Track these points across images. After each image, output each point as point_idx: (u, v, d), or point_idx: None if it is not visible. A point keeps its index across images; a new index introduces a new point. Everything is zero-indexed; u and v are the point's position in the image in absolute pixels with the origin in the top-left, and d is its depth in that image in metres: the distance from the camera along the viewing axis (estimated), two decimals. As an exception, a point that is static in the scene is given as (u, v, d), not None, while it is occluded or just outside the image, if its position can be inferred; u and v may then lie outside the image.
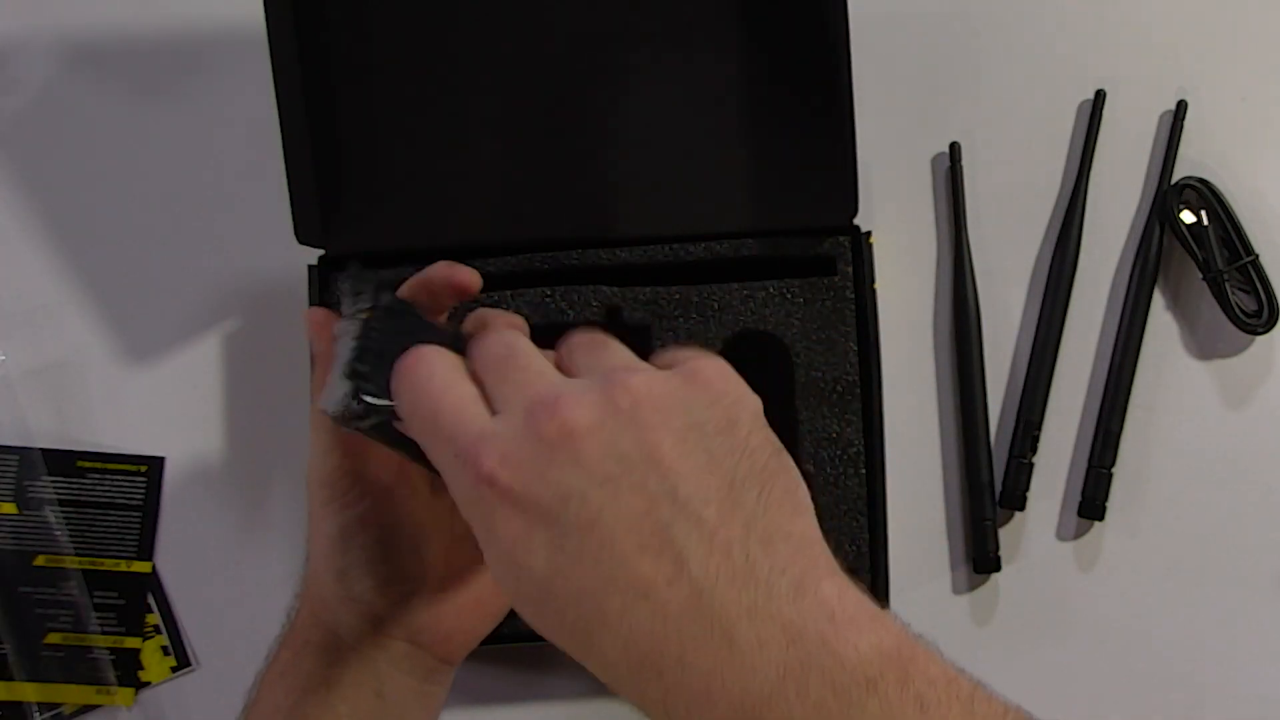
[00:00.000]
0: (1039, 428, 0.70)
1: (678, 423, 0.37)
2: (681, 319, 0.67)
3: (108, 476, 0.71)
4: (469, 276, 0.51)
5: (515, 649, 0.67)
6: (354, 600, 0.51)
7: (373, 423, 0.43)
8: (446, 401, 0.40)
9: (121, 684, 0.69)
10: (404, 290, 0.52)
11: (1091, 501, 0.69)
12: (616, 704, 0.70)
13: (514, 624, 0.64)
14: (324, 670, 0.51)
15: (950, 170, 0.72)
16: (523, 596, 0.38)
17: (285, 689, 0.51)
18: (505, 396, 0.39)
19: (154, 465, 0.71)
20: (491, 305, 0.66)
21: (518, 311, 0.64)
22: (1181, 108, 0.72)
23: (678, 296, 0.67)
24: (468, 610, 0.53)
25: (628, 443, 0.37)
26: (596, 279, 0.67)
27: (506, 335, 0.42)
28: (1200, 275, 0.70)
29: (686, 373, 0.39)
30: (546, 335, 0.45)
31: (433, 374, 0.40)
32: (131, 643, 0.69)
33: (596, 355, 0.42)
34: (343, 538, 0.51)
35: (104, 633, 0.69)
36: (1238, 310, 0.69)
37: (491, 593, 0.54)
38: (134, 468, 0.71)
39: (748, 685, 0.35)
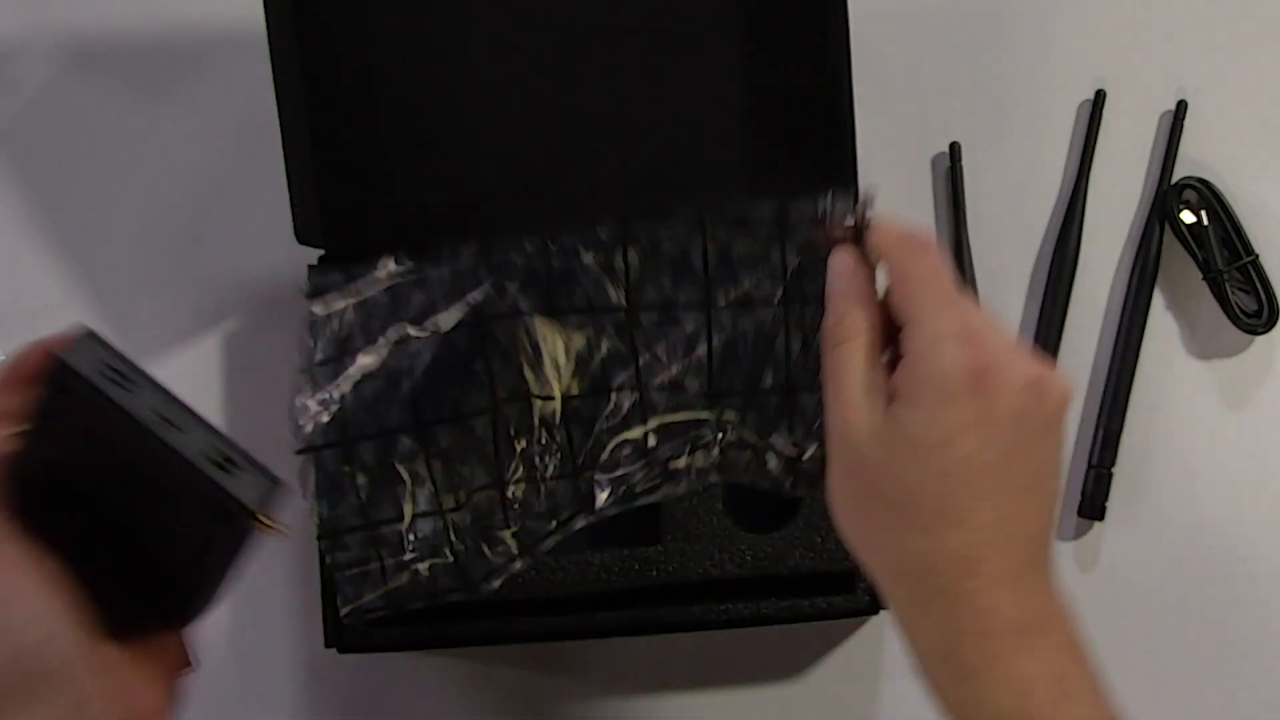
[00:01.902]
0: (1039, 428, 0.70)
1: None
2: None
3: (108, 476, 0.70)
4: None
5: (515, 649, 0.67)
6: (45, 678, 0.41)
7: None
8: None
9: (121, 684, 0.69)
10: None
11: (1091, 501, 0.69)
12: (616, 704, 0.71)
13: (512, 625, 0.64)
14: None
15: (950, 170, 0.72)
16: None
17: None
18: None
19: (154, 465, 0.71)
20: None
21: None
22: (1181, 108, 0.72)
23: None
24: None
25: None
26: (596, 279, 0.67)
27: None
28: (1200, 275, 0.70)
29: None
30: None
31: None
32: (131, 643, 0.69)
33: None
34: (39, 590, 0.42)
35: (104, 633, 0.69)
36: (1238, 310, 0.69)
37: None
38: (134, 468, 0.71)
39: None
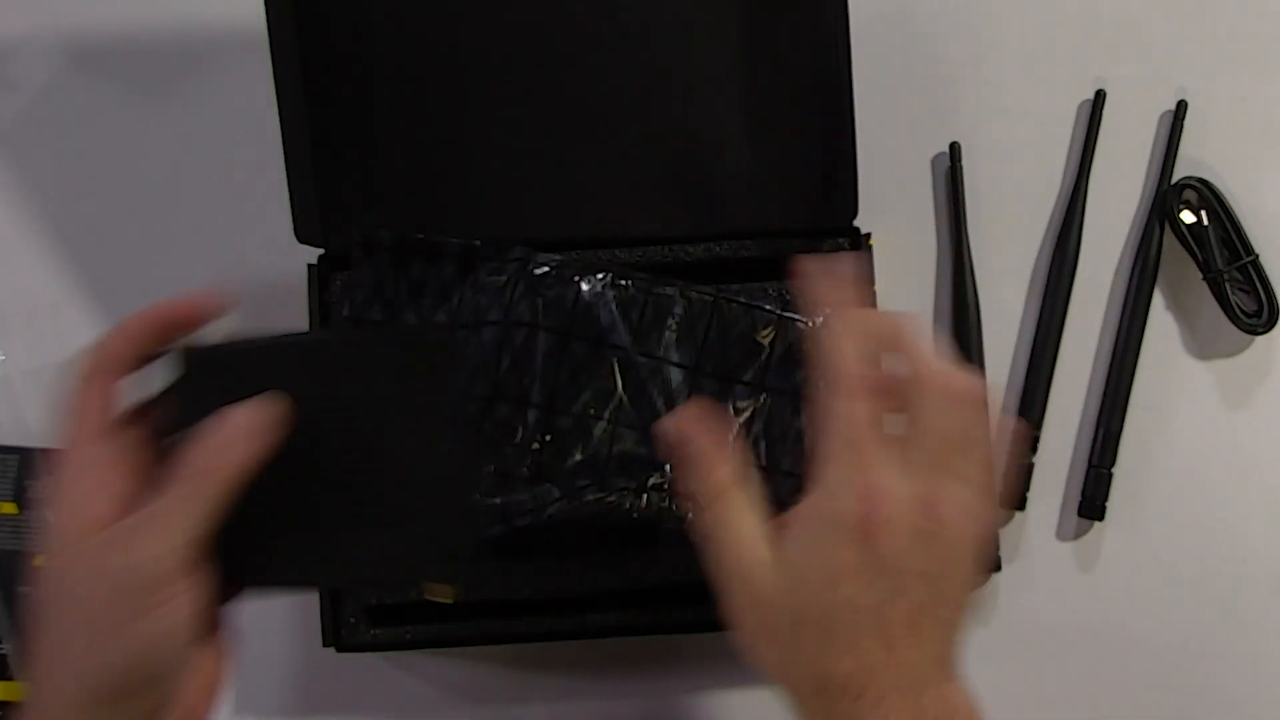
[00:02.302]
0: (1039, 428, 0.70)
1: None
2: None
3: (108, 476, 0.70)
4: (194, 308, 0.50)
5: (514, 649, 0.67)
6: (160, 682, 0.45)
7: None
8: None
9: (121, 684, 0.69)
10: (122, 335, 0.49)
11: (1091, 501, 0.69)
12: (616, 704, 0.71)
13: (512, 625, 0.64)
14: None
15: (950, 170, 0.72)
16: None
17: None
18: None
19: (154, 465, 0.71)
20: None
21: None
22: (1181, 108, 0.72)
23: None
24: (208, 690, 0.48)
25: None
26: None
27: None
28: (1200, 275, 0.70)
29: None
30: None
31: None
32: (131, 643, 0.69)
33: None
34: (155, 647, 0.44)
35: (104, 633, 0.69)
36: (1238, 310, 0.69)
37: (212, 670, 0.49)
38: (134, 468, 0.71)
39: None
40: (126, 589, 0.43)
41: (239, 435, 0.45)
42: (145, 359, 0.48)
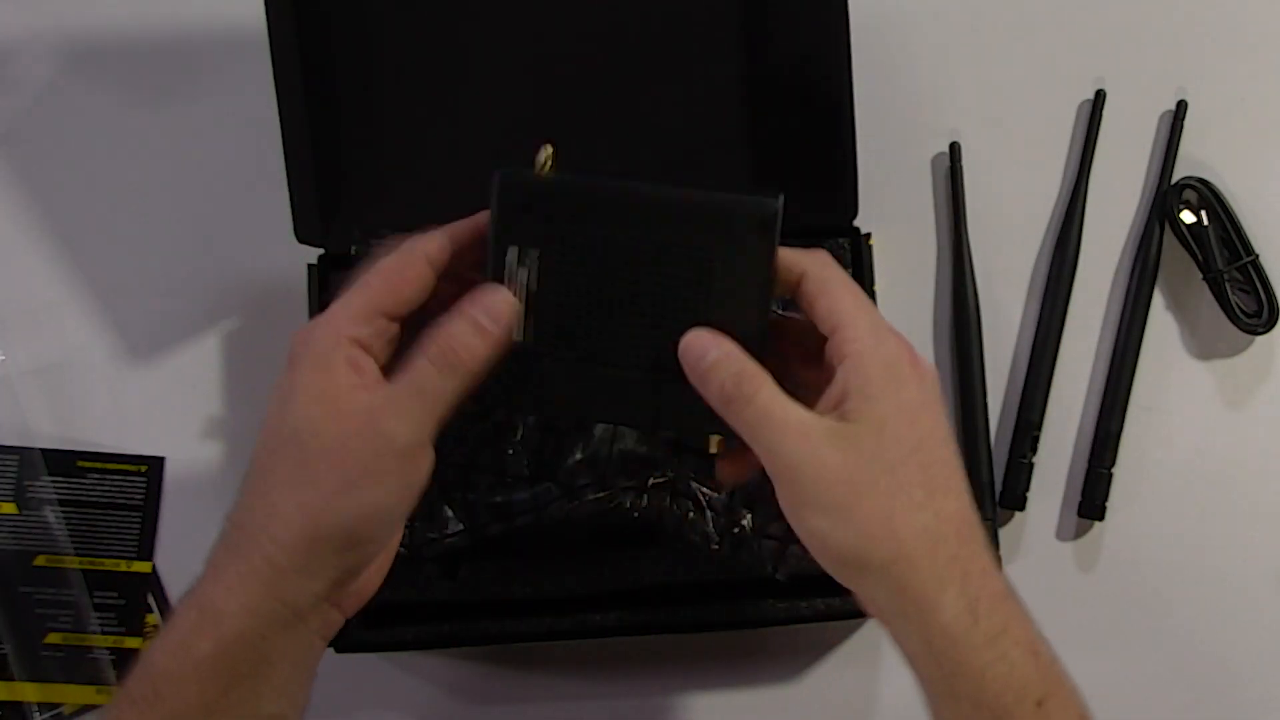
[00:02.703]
0: (1039, 428, 0.70)
1: None
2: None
3: (108, 476, 0.71)
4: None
5: (514, 649, 0.67)
6: (340, 573, 0.47)
7: None
8: None
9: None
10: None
11: (1091, 501, 0.69)
12: (616, 704, 0.71)
13: (512, 625, 0.64)
14: (257, 654, 0.46)
15: (950, 170, 0.72)
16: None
17: (205, 683, 0.46)
18: None
19: (154, 465, 0.71)
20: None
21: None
22: (1181, 108, 0.72)
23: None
24: (381, 570, 0.52)
25: None
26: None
27: None
28: (1200, 275, 0.70)
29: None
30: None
31: None
32: (132, 643, 0.69)
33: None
34: (386, 509, 0.46)
35: (104, 633, 0.69)
36: (1238, 310, 0.69)
37: (390, 552, 0.52)
38: (134, 468, 0.71)
39: None
40: (376, 452, 0.45)
41: (492, 320, 0.46)
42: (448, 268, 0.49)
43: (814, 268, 0.47)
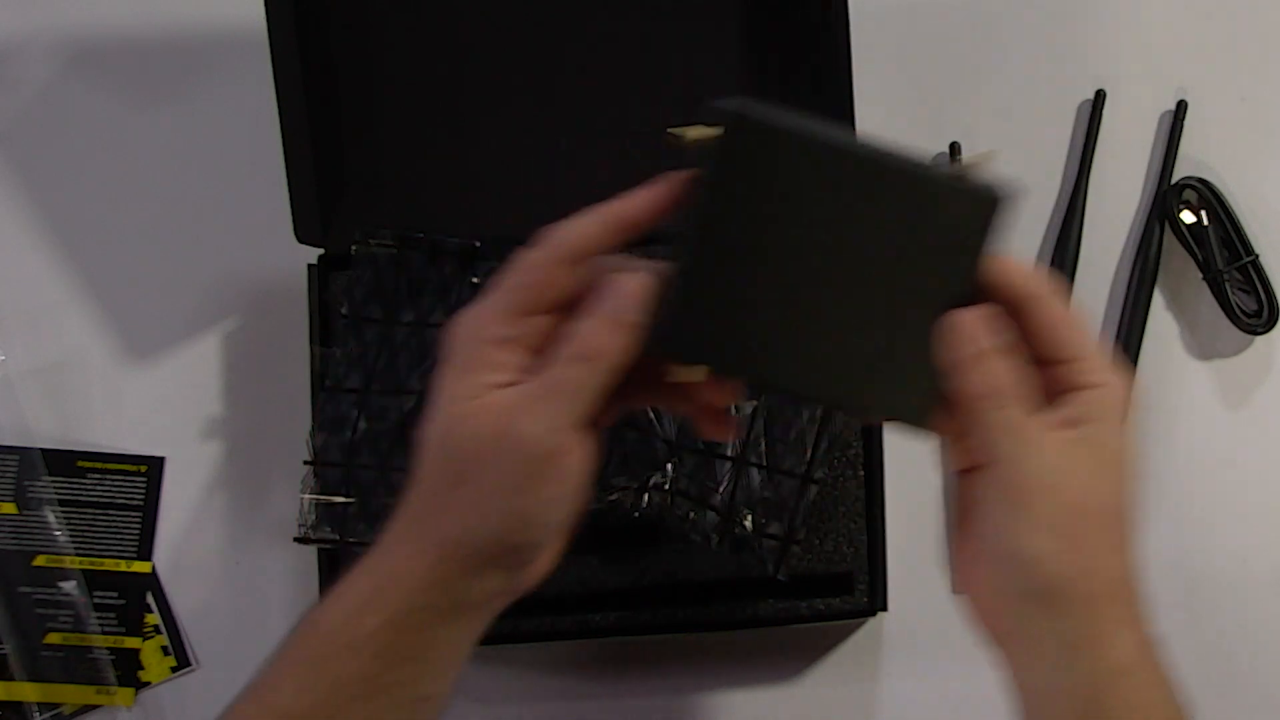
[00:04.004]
0: (1039, 428, 0.70)
1: None
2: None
3: (108, 476, 0.71)
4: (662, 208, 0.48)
5: (514, 649, 0.67)
6: (505, 573, 0.46)
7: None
8: None
9: (121, 684, 0.69)
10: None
11: (1091, 501, 0.69)
12: (616, 704, 0.71)
13: (512, 624, 0.64)
14: (423, 640, 0.46)
15: (950, 170, 0.72)
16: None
17: (369, 658, 0.45)
18: None
19: (154, 465, 0.71)
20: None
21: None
22: (1181, 108, 0.72)
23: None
24: (555, 555, 0.50)
25: None
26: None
27: None
28: (1200, 275, 0.70)
29: None
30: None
31: None
32: (131, 643, 0.69)
33: None
34: (533, 514, 0.45)
35: (104, 633, 0.69)
36: (1238, 310, 0.69)
37: (563, 539, 0.50)
38: (134, 468, 0.71)
39: None
40: (514, 457, 0.43)
41: (627, 312, 0.44)
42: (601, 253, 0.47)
43: (1046, 290, 0.45)
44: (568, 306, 0.45)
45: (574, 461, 0.44)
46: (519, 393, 0.44)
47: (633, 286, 0.44)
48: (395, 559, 0.45)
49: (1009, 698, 0.46)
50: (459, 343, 0.45)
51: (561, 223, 0.46)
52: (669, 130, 0.46)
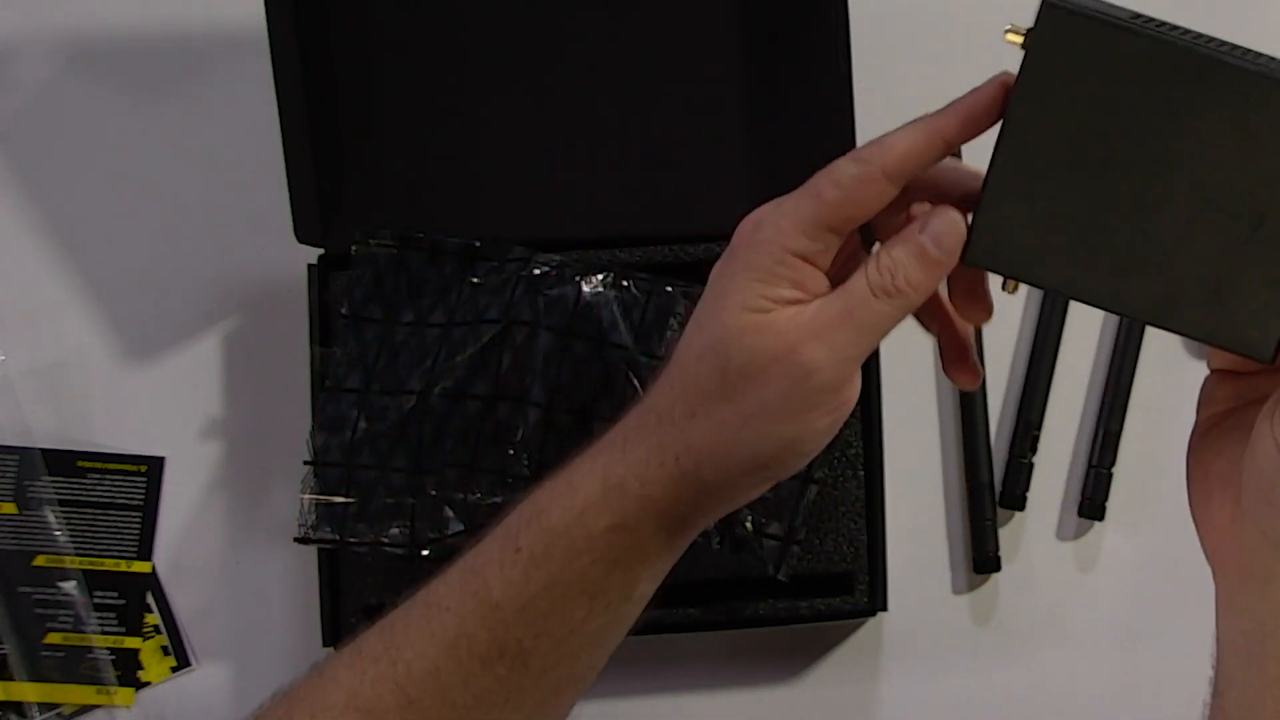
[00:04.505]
0: (1039, 428, 0.70)
1: None
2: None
3: (108, 476, 0.71)
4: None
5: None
6: (749, 489, 0.45)
7: None
8: None
9: (121, 684, 0.69)
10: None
11: (1091, 501, 0.69)
12: (616, 704, 0.71)
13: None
14: (649, 548, 0.46)
15: (950, 170, 0.72)
16: None
17: (595, 559, 0.45)
18: None
19: (154, 465, 0.71)
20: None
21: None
22: (1181, 108, 0.72)
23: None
24: None
25: None
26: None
27: None
28: (1200, 275, 0.70)
29: None
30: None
31: None
32: (131, 643, 0.69)
33: None
34: (801, 441, 0.43)
35: (104, 633, 0.69)
36: (1238, 310, 0.69)
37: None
38: (134, 468, 0.71)
39: None
40: (795, 382, 0.42)
41: (943, 251, 0.42)
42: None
43: None
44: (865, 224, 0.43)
45: (852, 394, 0.43)
46: (813, 317, 0.42)
47: (951, 221, 0.42)
48: (633, 459, 0.44)
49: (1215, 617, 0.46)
50: (758, 246, 0.43)
51: (882, 137, 0.44)
52: (1008, 28, 0.45)
